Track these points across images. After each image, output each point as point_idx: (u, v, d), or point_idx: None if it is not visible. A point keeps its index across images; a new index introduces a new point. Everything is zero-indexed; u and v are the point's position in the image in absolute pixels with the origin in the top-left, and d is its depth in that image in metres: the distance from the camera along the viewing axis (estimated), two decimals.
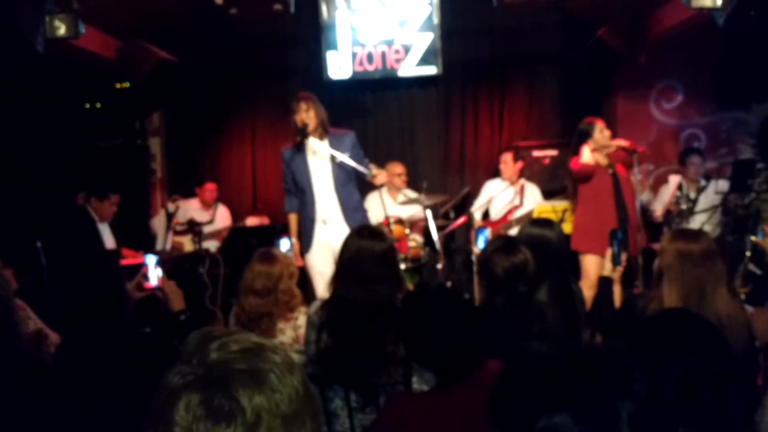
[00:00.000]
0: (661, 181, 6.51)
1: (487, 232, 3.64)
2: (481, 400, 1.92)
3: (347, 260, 2.70)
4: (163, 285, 2.89)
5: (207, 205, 6.39)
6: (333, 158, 4.62)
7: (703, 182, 6.08)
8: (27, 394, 2.10)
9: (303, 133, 4.62)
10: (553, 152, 6.57)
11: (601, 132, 5.03)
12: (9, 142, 5.67)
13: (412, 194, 6.06)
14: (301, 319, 3.00)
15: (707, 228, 5.81)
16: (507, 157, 6.10)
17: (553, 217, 5.41)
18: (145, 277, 2.90)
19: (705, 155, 6.29)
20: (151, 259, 2.93)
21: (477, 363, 2.00)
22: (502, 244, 2.72)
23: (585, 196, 5.07)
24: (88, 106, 6.68)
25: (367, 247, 2.67)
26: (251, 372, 0.92)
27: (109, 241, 5.37)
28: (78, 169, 6.24)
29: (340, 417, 2.60)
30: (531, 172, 6.44)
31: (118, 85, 6.47)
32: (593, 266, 4.89)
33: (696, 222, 5.85)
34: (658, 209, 5.99)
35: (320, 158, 4.69)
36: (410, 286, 5.48)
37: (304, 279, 4.78)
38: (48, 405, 2.05)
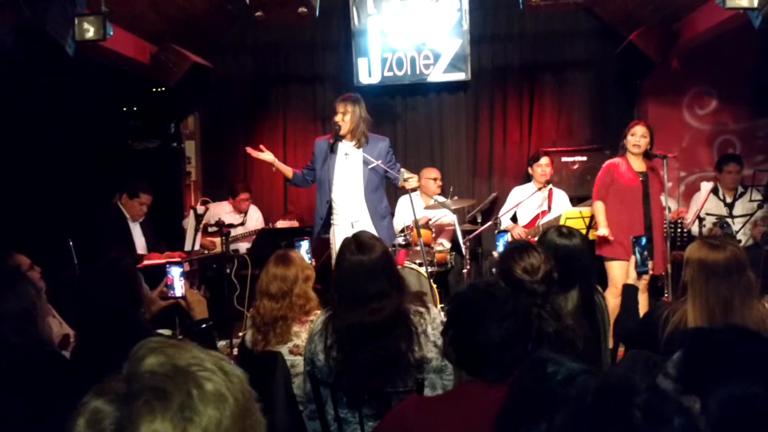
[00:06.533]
0: (693, 188, 6.40)
1: (507, 236, 3.61)
2: (493, 411, 1.91)
3: (343, 280, 2.58)
4: (186, 294, 2.92)
5: (240, 210, 6.49)
6: (366, 163, 4.68)
7: (740, 189, 5.95)
8: (49, 389, 2.18)
9: (335, 135, 4.70)
10: (582, 158, 6.53)
11: (633, 135, 5.07)
12: (48, 144, 5.87)
13: (441, 199, 6.08)
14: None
15: (741, 236, 5.69)
16: (547, 160, 6.10)
17: (581, 223, 5.39)
18: (170, 287, 2.92)
19: (743, 162, 6.16)
20: (175, 271, 2.93)
21: (511, 370, 1.91)
22: (517, 245, 2.71)
23: (613, 202, 5.04)
24: (125, 109, 6.87)
25: (358, 262, 2.53)
26: (164, 393, 0.84)
27: (139, 241, 5.51)
28: (115, 170, 6.41)
29: (351, 424, 2.57)
30: (560, 177, 6.41)
31: (154, 89, 6.62)
32: (618, 272, 4.88)
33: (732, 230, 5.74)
34: (689, 217, 5.89)
35: (352, 162, 4.74)
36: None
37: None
38: (65, 399, 2.12)
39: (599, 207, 5.09)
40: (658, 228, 5.04)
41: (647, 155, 5.16)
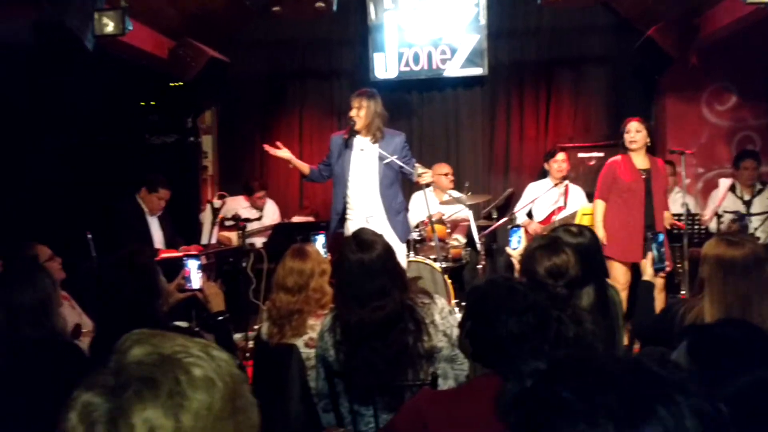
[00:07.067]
0: (712, 184, 6.34)
1: (520, 232, 3.58)
2: None
3: (344, 280, 2.59)
4: (203, 287, 2.94)
5: (257, 207, 6.51)
6: (381, 158, 4.67)
7: (758, 186, 5.89)
8: (65, 381, 2.21)
9: (350, 131, 4.71)
10: (599, 154, 6.49)
11: (627, 132, 5.02)
12: (67, 138, 5.93)
13: (455, 194, 6.07)
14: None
15: (761, 234, 5.63)
16: (563, 155, 6.08)
17: None
18: (187, 280, 2.94)
19: (761, 158, 6.10)
20: (192, 263, 2.93)
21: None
22: (546, 242, 2.64)
23: (615, 201, 5.02)
24: (143, 104, 6.91)
25: (358, 261, 2.52)
26: (153, 382, 0.85)
27: (157, 234, 5.55)
28: (132, 165, 6.47)
29: (365, 417, 2.58)
30: (576, 173, 6.38)
31: (171, 84, 6.66)
32: (618, 272, 4.85)
33: (749, 227, 5.68)
34: (707, 213, 5.84)
35: (367, 157, 4.74)
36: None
37: None
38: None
39: (599, 207, 5.07)
40: (660, 225, 4.98)
41: (650, 150, 5.11)
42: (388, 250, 2.61)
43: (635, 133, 4.98)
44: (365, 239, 2.59)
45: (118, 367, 0.88)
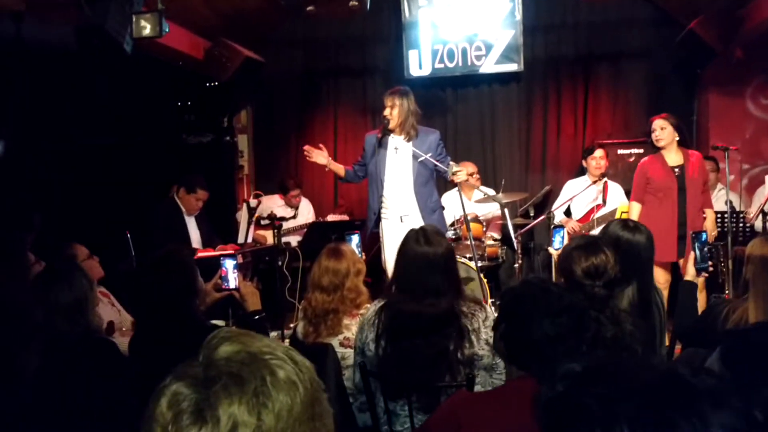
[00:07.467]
0: (757, 181, 6.16)
1: (563, 232, 3.53)
2: None
3: (404, 269, 2.60)
4: (240, 286, 2.97)
5: (292, 206, 6.55)
6: (415, 157, 4.65)
7: None
8: (99, 377, 2.25)
9: (384, 129, 4.70)
10: (638, 150, 6.34)
11: (653, 131, 4.94)
12: (105, 138, 6.04)
13: (489, 192, 6.01)
14: None
15: None
16: (601, 152, 5.98)
17: None
18: (224, 279, 2.97)
19: None
20: (229, 263, 2.97)
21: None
22: (584, 242, 2.61)
23: (650, 201, 4.92)
24: (179, 104, 7.00)
25: (423, 254, 2.53)
26: (240, 379, 0.88)
27: (194, 234, 5.61)
28: (170, 164, 6.55)
29: (400, 417, 2.57)
30: (615, 170, 6.27)
31: (207, 84, 6.73)
32: (657, 273, 4.72)
33: None
34: (752, 211, 5.67)
35: (401, 156, 4.72)
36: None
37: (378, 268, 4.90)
38: (121, 388, 2.18)
39: (634, 209, 4.99)
40: (698, 222, 4.84)
41: (684, 145, 4.99)
42: (451, 251, 2.65)
43: (660, 131, 4.91)
44: (432, 235, 2.63)
45: (208, 361, 0.90)
